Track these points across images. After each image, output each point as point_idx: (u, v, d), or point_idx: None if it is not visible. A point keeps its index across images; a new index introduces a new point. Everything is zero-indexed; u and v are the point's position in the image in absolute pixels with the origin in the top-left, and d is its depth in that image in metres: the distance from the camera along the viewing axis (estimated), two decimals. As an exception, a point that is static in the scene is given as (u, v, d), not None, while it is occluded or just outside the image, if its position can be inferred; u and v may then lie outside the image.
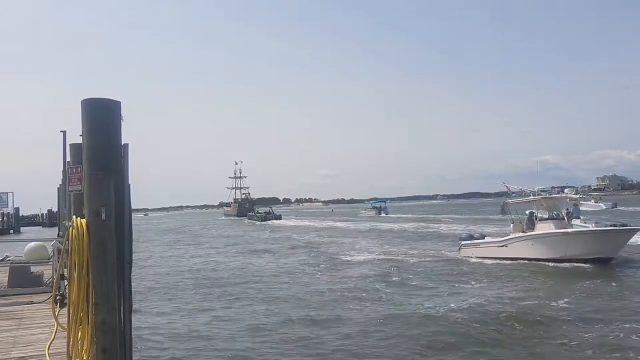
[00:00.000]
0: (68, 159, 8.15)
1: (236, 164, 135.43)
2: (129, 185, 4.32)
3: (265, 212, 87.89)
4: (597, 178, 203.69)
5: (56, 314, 5.05)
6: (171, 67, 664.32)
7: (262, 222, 77.45)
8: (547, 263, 19.71)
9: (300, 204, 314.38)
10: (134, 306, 4.48)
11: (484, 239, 23.77)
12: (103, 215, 3.97)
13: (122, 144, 4.29)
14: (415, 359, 9.35)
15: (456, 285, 16.61)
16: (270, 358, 9.59)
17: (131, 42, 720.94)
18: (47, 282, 9.23)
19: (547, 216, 21.11)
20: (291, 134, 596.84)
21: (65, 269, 5.85)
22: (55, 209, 43.84)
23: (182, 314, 13.52)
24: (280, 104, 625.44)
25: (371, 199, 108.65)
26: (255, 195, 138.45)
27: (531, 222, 21.71)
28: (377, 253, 26.57)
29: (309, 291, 16.26)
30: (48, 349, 5.33)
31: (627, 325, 10.73)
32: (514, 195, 25.05)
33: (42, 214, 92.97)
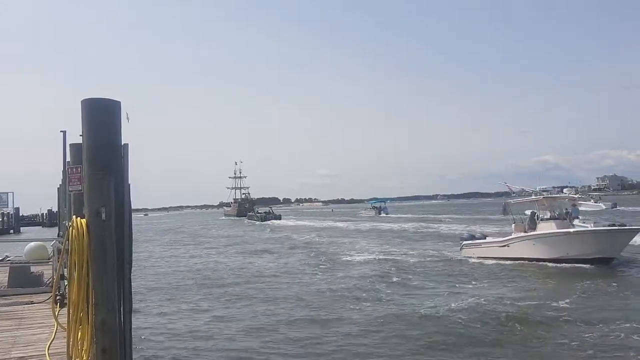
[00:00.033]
0: (68, 159, 8.15)
1: (236, 164, 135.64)
2: (129, 185, 4.32)
3: (265, 212, 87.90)
4: (597, 178, 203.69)
5: (56, 314, 5.05)
6: (171, 67, 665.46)
7: (262, 222, 77.45)
8: (548, 263, 19.66)
9: (300, 204, 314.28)
10: (134, 306, 4.48)
11: (485, 239, 23.73)
12: (103, 215, 3.97)
13: (122, 144, 4.29)
14: (416, 359, 9.34)
15: (457, 285, 16.59)
16: (271, 358, 9.58)
17: (131, 42, 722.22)
18: (47, 282, 9.23)
19: (548, 216, 21.03)
20: (291, 134, 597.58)
21: (65, 269, 5.85)
22: (55, 209, 43.92)
23: (182, 314, 13.52)
24: (280, 104, 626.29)
25: (371, 199, 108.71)
26: (255, 195, 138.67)
27: (533, 222, 21.63)
28: (377, 253, 26.54)
29: (309, 291, 16.26)
30: (48, 349, 5.33)
31: (627, 325, 10.72)
32: (513, 195, 25.04)
33: (42, 214, 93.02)
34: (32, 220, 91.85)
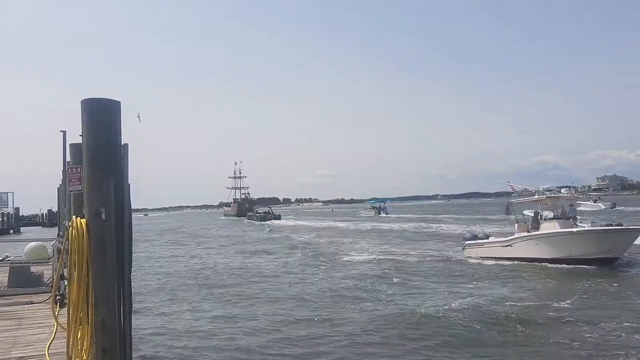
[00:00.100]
0: (68, 159, 8.15)
1: (236, 164, 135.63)
2: (129, 185, 4.32)
3: (264, 212, 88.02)
4: (597, 178, 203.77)
5: (56, 314, 5.06)
6: (171, 67, 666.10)
7: (262, 222, 77.52)
8: (550, 263, 19.54)
9: (300, 204, 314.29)
10: (134, 306, 4.48)
11: (488, 239, 23.65)
12: (103, 215, 3.97)
13: (122, 144, 4.29)
14: (417, 359, 9.34)
15: (458, 285, 16.57)
16: (271, 358, 9.58)
17: (131, 42, 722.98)
18: (47, 282, 9.23)
19: (552, 216, 20.89)
20: (291, 134, 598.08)
21: (65, 269, 5.85)
22: (55, 209, 43.85)
23: (182, 314, 13.51)
24: (280, 104, 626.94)
25: (371, 199, 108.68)
26: (255, 195, 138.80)
27: (536, 221, 21.50)
28: (377, 253, 26.54)
29: (309, 291, 16.25)
30: (48, 349, 5.33)
31: (628, 324, 10.71)
32: (513, 195, 24.99)
33: (42, 214, 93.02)
34: (32, 220, 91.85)
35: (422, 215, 73.54)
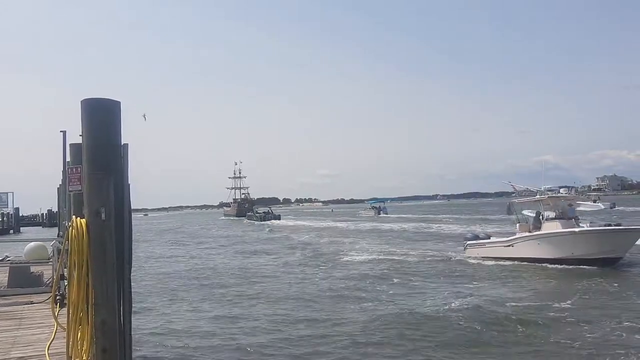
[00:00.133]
0: (68, 159, 8.15)
1: (236, 164, 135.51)
2: (129, 185, 4.32)
3: (264, 212, 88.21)
4: (597, 178, 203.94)
5: (56, 314, 5.05)
6: (171, 67, 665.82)
7: (261, 222, 77.62)
8: (552, 263, 19.48)
9: (300, 204, 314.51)
10: (134, 306, 4.48)
11: (489, 239, 23.62)
12: (103, 215, 3.97)
13: (122, 144, 4.29)
14: (417, 359, 9.34)
15: (458, 285, 16.57)
16: (271, 358, 9.58)
17: (131, 42, 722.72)
18: (47, 282, 9.22)
19: (554, 216, 20.78)
20: (291, 134, 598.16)
21: (65, 269, 5.85)
22: (55, 209, 43.90)
23: (182, 314, 13.51)
24: (280, 104, 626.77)
25: (371, 199, 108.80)
26: (255, 195, 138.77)
27: (538, 221, 21.43)
28: (377, 253, 26.54)
29: (309, 291, 16.25)
30: (48, 349, 5.33)
31: (628, 324, 10.72)
32: (513, 195, 24.97)
33: (42, 214, 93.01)
34: (32, 221, 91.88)
35: (422, 216, 73.56)
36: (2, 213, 66.58)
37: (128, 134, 4.44)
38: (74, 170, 4.97)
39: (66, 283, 6.09)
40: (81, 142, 4.31)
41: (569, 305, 12.85)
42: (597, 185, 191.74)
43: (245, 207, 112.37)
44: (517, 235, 21.55)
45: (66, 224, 4.96)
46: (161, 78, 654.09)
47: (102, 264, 3.97)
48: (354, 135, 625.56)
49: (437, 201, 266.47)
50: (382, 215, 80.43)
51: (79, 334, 4.05)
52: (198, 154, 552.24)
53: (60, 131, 14.88)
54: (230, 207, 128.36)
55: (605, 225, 19.91)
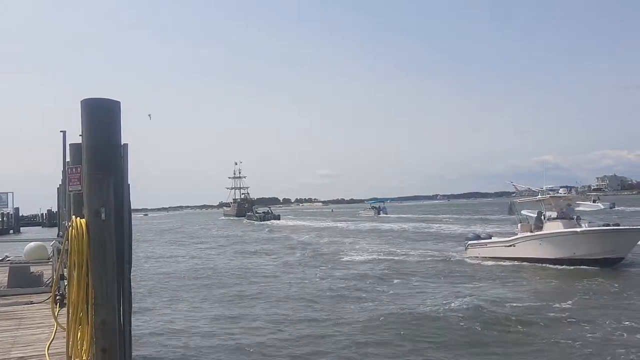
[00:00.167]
0: (68, 159, 8.15)
1: (236, 164, 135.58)
2: (129, 185, 4.32)
3: (263, 212, 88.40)
4: (597, 178, 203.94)
5: (56, 314, 5.06)
6: (171, 67, 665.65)
7: (261, 222, 77.70)
8: (554, 264, 19.40)
9: (300, 204, 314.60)
10: (134, 306, 4.48)
11: (490, 238, 23.56)
12: (102, 215, 3.97)
13: (122, 144, 4.29)
14: (417, 359, 9.34)
15: (459, 285, 16.56)
16: (271, 358, 9.58)
17: (131, 42, 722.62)
18: (47, 282, 9.22)
19: (555, 215, 20.66)
20: (291, 134, 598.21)
21: (65, 269, 5.85)
22: (55, 209, 43.85)
23: (182, 314, 13.51)
24: (280, 104, 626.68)
25: (371, 199, 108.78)
26: (255, 195, 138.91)
27: (539, 221, 21.35)
28: (377, 253, 26.53)
29: (309, 291, 16.25)
30: (48, 349, 5.33)
31: (628, 323, 10.71)
32: (513, 195, 24.92)
33: (42, 214, 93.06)
34: (32, 220, 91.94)
35: (422, 216, 73.56)
36: (2, 213, 66.62)
37: (128, 134, 4.45)
38: (74, 170, 4.97)
39: (66, 283, 6.10)
40: (81, 142, 4.31)
41: (569, 306, 12.85)
42: (597, 185, 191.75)
43: (245, 207, 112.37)
44: (519, 235, 21.46)
45: (66, 224, 4.96)
46: (161, 78, 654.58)
47: (102, 264, 3.97)
48: (354, 135, 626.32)
49: (437, 201, 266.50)
50: (381, 215, 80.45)
51: (79, 333, 4.05)
52: (198, 154, 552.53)
53: (60, 131, 14.86)
54: (230, 207, 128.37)
55: (603, 225, 19.84)
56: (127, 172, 4.30)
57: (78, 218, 4.10)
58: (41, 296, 8.44)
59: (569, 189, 22.50)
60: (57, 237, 11.73)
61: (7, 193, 66.75)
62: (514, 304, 13.16)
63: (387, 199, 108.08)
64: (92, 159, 4.11)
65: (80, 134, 4.27)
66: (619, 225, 20.20)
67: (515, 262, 20.64)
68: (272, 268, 22.73)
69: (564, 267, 19.01)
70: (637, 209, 62.70)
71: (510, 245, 21.44)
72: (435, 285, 16.65)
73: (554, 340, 9.91)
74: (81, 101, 4.19)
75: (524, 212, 23.50)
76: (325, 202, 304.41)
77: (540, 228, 20.85)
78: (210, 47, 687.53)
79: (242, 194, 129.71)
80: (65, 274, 6.48)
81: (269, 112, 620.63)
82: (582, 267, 18.64)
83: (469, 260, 22.40)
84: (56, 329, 5.45)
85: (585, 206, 23.34)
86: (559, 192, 21.59)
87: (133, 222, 4.47)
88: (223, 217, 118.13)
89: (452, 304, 13.10)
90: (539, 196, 21.58)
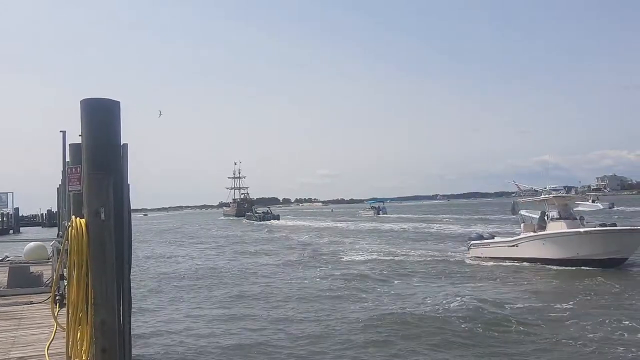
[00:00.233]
0: (68, 159, 8.14)
1: (235, 164, 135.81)
2: (128, 185, 4.32)
3: (263, 212, 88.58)
4: (597, 178, 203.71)
5: (55, 314, 5.05)
6: (171, 67, 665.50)
7: (260, 222, 77.79)
8: (557, 264, 19.31)
9: (300, 204, 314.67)
10: (133, 306, 4.48)
11: (493, 238, 23.51)
12: (102, 216, 3.97)
13: (122, 144, 4.29)
14: (418, 359, 9.34)
15: (459, 285, 16.54)
16: (271, 358, 9.58)
17: (131, 42, 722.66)
18: (47, 282, 9.23)
19: (559, 215, 20.49)
20: (291, 134, 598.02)
21: (65, 269, 5.85)
22: (55, 209, 43.83)
23: (181, 314, 13.50)
24: (280, 104, 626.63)
25: (371, 199, 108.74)
26: (255, 195, 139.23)
27: (543, 221, 21.21)
28: (377, 253, 26.53)
29: (308, 291, 16.24)
30: (47, 349, 5.32)
31: (628, 323, 10.70)
32: (513, 195, 24.90)
33: (42, 214, 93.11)
34: (31, 221, 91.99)
35: (422, 216, 73.58)
36: (2, 213, 66.60)
37: (128, 134, 4.45)
38: (74, 170, 4.96)
39: (66, 283, 6.10)
40: (81, 142, 4.31)
41: (570, 306, 12.84)
42: (597, 185, 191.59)
43: (244, 207, 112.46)
44: (522, 235, 21.38)
45: (66, 224, 4.96)
46: (161, 78, 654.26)
47: (102, 264, 3.97)
48: (354, 135, 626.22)
49: (437, 201, 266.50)
50: (381, 215, 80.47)
51: (79, 334, 4.05)
52: (198, 154, 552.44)
53: (60, 131, 14.85)
54: (229, 207, 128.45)
55: (600, 225, 19.78)
56: (127, 172, 4.30)
57: (78, 218, 4.10)
58: (41, 296, 8.45)
59: (568, 188, 22.48)
60: (57, 237, 11.72)
61: (7, 193, 66.68)
62: (515, 304, 13.15)
63: (387, 199, 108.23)
64: (92, 159, 4.11)
65: (80, 134, 4.27)
66: (615, 225, 20.13)
67: (516, 263, 20.61)
68: (272, 268, 22.72)
69: (565, 267, 18.96)
70: (637, 209, 62.72)
71: (513, 246, 21.36)
72: (436, 286, 16.64)
73: (555, 340, 9.90)
74: (81, 101, 4.19)
75: (522, 212, 23.47)
76: (325, 202, 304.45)
77: (544, 228, 20.72)
78: (210, 47, 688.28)
79: (242, 194, 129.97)
80: (65, 274, 6.48)
81: (269, 112, 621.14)
82: (585, 267, 18.55)
83: (469, 261, 22.38)
84: (56, 329, 5.45)
85: (584, 206, 23.27)
86: (561, 192, 21.55)
87: (133, 222, 4.46)
88: (223, 217, 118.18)
89: (453, 304, 13.09)
90: (542, 196, 21.52)
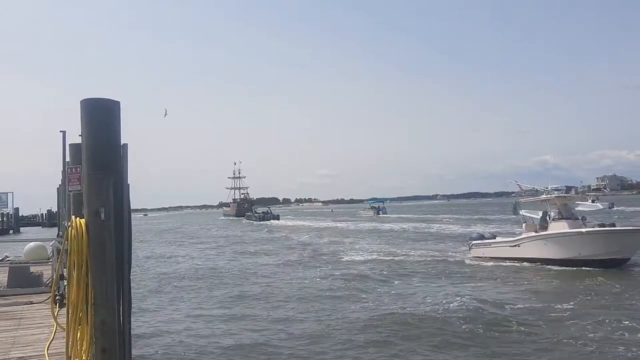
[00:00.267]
0: (68, 159, 8.13)
1: (235, 164, 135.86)
2: (128, 185, 4.31)
3: (263, 213, 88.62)
4: (597, 178, 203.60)
5: (55, 314, 5.05)
6: (171, 67, 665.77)
7: (260, 222, 77.79)
8: (559, 264, 19.29)
9: (300, 204, 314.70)
10: (133, 306, 4.48)
11: (495, 238, 23.48)
12: (102, 216, 3.96)
13: (122, 144, 4.28)
14: (418, 359, 9.34)
15: (459, 285, 16.53)
16: (271, 358, 9.58)
17: (131, 42, 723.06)
18: (47, 282, 9.22)
19: (560, 215, 20.44)
20: (291, 134, 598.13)
21: (65, 269, 5.85)
22: (54, 209, 43.83)
23: (181, 314, 13.50)
24: (280, 104, 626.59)
25: (371, 199, 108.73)
26: (255, 195, 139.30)
27: (544, 221, 21.18)
28: (377, 253, 26.53)
29: (308, 291, 16.24)
30: (47, 349, 5.32)
31: (628, 323, 10.70)
32: (513, 195, 24.88)
33: (42, 214, 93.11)
34: (31, 221, 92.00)
35: (422, 216, 73.56)
36: (2, 213, 66.62)
37: (128, 134, 4.44)
38: (74, 170, 4.96)
39: (66, 283, 6.10)
40: (81, 142, 4.30)
41: (571, 306, 12.83)
42: (597, 185, 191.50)
43: (244, 207, 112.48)
44: (524, 235, 21.34)
45: (66, 224, 4.95)
46: (161, 78, 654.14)
47: (102, 264, 3.97)
48: (354, 135, 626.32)
49: (437, 201, 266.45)
50: (381, 215, 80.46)
51: (79, 334, 4.04)
52: (198, 154, 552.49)
53: (60, 131, 14.85)
54: (229, 207, 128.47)
55: (598, 225, 19.76)
56: (126, 172, 4.29)
57: (78, 218, 4.10)
58: (41, 296, 8.44)
59: (569, 188, 22.48)
60: (57, 237, 11.72)
61: (7, 193, 66.68)
62: (515, 304, 13.14)
63: (387, 199, 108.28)
64: (91, 159, 4.10)
65: (80, 134, 4.26)
66: (614, 225, 20.12)
67: (516, 263, 20.60)
68: (272, 268, 22.72)
69: (565, 267, 18.94)
70: (637, 209, 62.75)
71: (515, 246, 21.33)
72: (436, 286, 16.64)
73: (555, 340, 9.90)
74: (81, 101, 4.18)
75: (522, 212, 23.45)
76: (325, 202, 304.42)
77: (546, 228, 20.70)
78: (210, 47, 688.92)
79: (242, 194, 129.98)
80: (64, 274, 6.48)
81: (269, 112, 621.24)
82: (584, 267, 18.55)
83: (469, 261, 22.37)
84: (56, 329, 5.45)
85: (583, 206, 23.28)
86: (563, 192, 21.51)
87: (133, 222, 4.45)
88: (223, 217, 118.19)
89: (453, 305, 13.08)
90: (544, 196, 21.49)
